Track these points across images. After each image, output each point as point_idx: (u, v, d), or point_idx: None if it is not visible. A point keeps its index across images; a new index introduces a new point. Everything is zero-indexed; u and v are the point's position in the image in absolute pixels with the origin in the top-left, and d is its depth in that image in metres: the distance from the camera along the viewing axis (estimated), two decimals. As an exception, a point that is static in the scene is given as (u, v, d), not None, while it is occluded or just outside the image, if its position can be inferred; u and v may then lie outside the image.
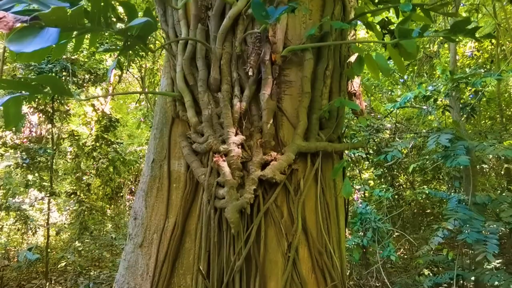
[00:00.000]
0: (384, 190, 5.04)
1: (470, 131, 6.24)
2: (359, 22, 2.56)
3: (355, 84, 2.20)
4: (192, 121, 1.89)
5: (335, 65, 2.04)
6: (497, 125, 6.94)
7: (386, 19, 2.49)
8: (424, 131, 5.32)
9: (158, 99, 2.25)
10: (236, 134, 1.80)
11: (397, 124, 5.77)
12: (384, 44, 1.97)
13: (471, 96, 5.28)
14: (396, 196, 6.26)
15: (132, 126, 8.97)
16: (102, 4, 1.09)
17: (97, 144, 7.12)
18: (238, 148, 1.75)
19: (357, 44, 2.42)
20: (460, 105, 5.40)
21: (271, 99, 1.84)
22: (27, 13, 1.10)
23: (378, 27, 2.21)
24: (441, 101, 5.14)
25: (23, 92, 1.50)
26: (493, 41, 9.38)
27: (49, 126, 6.87)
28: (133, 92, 8.43)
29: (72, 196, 8.32)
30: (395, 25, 2.15)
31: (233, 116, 1.81)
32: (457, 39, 2.29)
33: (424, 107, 5.63)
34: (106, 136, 7.13)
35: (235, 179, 1.69)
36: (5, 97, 1.50)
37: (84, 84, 6.88)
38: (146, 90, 7.88)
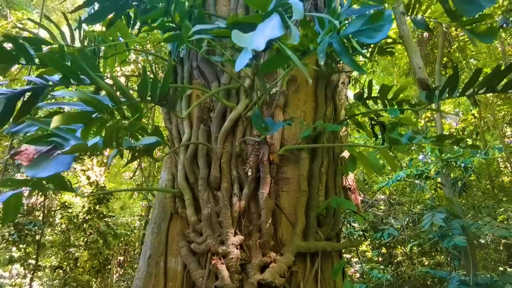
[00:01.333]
0: (383, 271, 4.90)
1: (463, 205, 6.29)
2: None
3: (350, 179, 2.28)
4: (191, 219, 1.91)
5: (329, 162, 2.14)
6: (490, 200, 7.01)
7: (376, 113, 2.67)
8: (419, 207, 5.36)
9: (157, 193, 2.29)
10: (235, 234, 1.81)
11: (390, 199, 5.82)
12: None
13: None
14: (395, 274, 6.06)
15: (124, 197, 8.88)
16: (113, 133, 1.19)
17: (89, 216, 6.98)
18: (237, 249, 1.76)
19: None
20: (451, 181, 5.53)
21: (269, 198, 1.89)
22: (46, 139, 1.19)
23: (368, 126, 2.37)
24: (433, 179, 5.26)
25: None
26: (476, 114, 9.89)
27: (41, 199, 6.78)
28: (135, 189, 8.55)
29: (58, 270, 7.89)
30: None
31: (232, 215, 1.84)
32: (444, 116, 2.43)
33: (417, 181, 5.74)
34: (98, 208, 7.02)
35: (233, 283, 1.66)
36: (6, 193, 1.53)
37: (80, 156, 6.96)
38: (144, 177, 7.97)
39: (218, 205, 1.91)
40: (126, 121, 1.38)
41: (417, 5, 2.60)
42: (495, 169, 9.84)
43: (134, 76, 5.32)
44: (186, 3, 2.02)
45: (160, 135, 1.41)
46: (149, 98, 1.56)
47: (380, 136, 2.62)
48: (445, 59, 6.68)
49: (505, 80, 1.83)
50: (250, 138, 1.96)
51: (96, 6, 2.23)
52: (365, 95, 2.63)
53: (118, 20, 2.16)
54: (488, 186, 9.19)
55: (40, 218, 6.90)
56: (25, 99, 1.63)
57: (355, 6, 1.80)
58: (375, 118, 2.62)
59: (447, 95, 1.88)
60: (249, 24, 1.15)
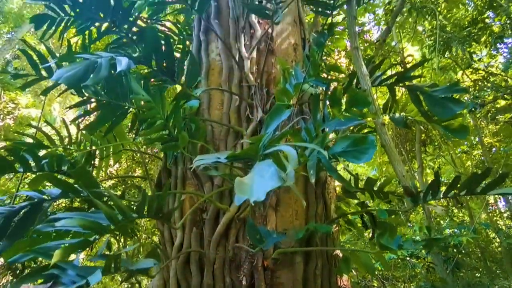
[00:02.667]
0: None
1: (457, 285, 6.15)
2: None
3: (344, 279, 2.26)
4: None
5: (323, 264, 2.13)
6: (485, 276, 6.89)
7: (363, 203, 2.74)
8: (413, 286, 5.22)
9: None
10: None
11: (382, 279, 5.67)
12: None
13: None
14: None
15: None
16: (113, 261, 1.19)
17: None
18: None
19: (344, 242, 2.59)
20: (443, 258, 5.48)
21: (264, 307, 1.84)
22: (44, 271, 1.18)
23: (360, 223, 2.42)
24: (424, 258, 5.22)
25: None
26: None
27: None
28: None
29: None
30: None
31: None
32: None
33: (408, 258, 5.66)
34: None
35: None
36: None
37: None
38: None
39: (212, 316, 1.84)
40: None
41: (395, 105, 2.85)
42: (484, 239, 9.83)
43: (128, 177, 5.37)
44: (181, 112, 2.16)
45: (157, 256, 1.42)
46: (146, 213, 1.59)
47: (370, 228, 2.67)
48: (423, 135, 7.06)
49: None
50: (243, 246, 1.97)
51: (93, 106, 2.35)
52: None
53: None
54: (480, 257, 9.09)
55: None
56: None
57: (339, 118, 1.97)
58: (363, 207, 2.69)
59: (430, 197, 1.98)
60: (246, 158, 1.25)
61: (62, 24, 2.70)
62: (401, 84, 2.58)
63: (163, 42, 1.79)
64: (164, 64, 1.89)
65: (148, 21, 3.61)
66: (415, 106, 2.59)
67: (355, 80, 2.39)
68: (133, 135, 2.42)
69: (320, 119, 1.99)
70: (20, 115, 9.70)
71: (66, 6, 2.52)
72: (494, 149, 9.93)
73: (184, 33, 3.79)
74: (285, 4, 2.63)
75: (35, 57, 2.38)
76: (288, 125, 2.03)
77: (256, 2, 2.76)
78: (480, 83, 6.29)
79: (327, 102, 1.99)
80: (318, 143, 1.67)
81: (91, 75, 1.55)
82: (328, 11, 2.45)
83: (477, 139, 9.35)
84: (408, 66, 7.55)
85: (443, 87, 2.47)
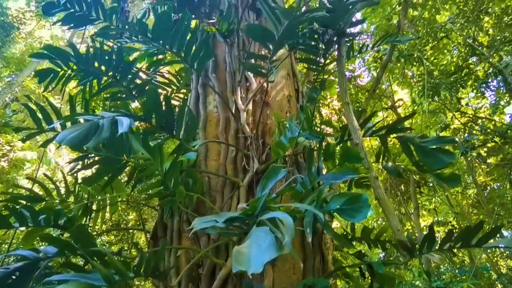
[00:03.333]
0: None
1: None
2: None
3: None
4: None
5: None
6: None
7: (360, 252, 2.73)
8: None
9: None
10: None
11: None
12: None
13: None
14: None
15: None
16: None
17: None
18: None
19: None
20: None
21: None
22: None
23: (357, 272, 2.40)
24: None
25: None
26: (455, 224, 10.10)
27: None
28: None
29: None
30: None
31: None
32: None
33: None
34: None
35: None
36: None
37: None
38: None
39: None
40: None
41: (387, 154, 2.92)
42: (485, 281, 9.62)
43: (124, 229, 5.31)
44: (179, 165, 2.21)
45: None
46: (143, 272, 1.58)
47: (368, 278, 2.63)
48: (417, 177, 7.13)
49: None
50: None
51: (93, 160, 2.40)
52: (349, 236, 2.73)
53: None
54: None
55: None
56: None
57: (333, 172, 2.03)
58: (361, 257, 2.67)
59: (426, 250, 1.99)
60: (243, 218, 1.28)
61: (65, 76, 2.83)
62: (393, 135, 2.67)
63: (163, 102, 1.87)
64: (164, 122, 1.96)
65: (148, 71, 3.77)
66: (407, 156, 2.66)
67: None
68: (130, 188, 2.44)
69: (315, 172, 2.04)
70: (15, 157, 9.67)
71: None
72: (489, 187, 10.00)
73: (181, 81, 3.94)
74: (279, 62, 2.78)
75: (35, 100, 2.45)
76: (283, 184, 2.07)
77: (252, 61, 2.91)
78: (469, 124, 6.48)
79: (322, 156, 2.05)
80: (314, 199, 1.70)
81: (94, 137, 1.60)
82: (319, 67, 2.58)
83: (471, 177, 9.45)
84: (399, 109, 7.79)
85: (433, 138, 2.56)
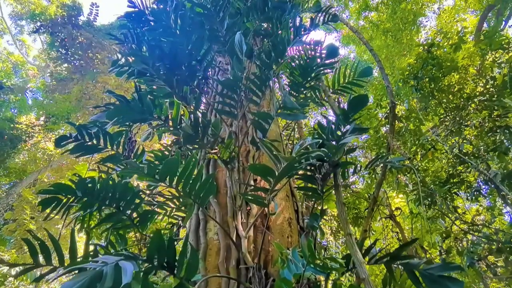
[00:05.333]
0: None
1: None
2: None
3: None
4: None
5: None
6: None
7: None
8: None
9: None
10: None
11: None
12: None
13: None
14: None
15: None
16: None
17: None
18: None
19: None
20: None
21: None
22: None
23: None
24: None
25: None
26: None
27: None
28: None
29: None
30: None
31: None
32: None
33: None
34: None
35: None
36: None
37: None
38: None
39: None
40: None
41: (393, 281, 2.82)
42: None
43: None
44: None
45: None
46: None
47: None
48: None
49: None
50: None
51: None
52: None
53: None
54: None
55: None
56: None
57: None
58: None
59: None
60: None
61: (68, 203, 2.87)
62: (398, 262, 2.62)
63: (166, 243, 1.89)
64: (166, 262, 1.94)
65: (148, 191, 3.85)
66: (413, 283, 2.58)
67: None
68: None
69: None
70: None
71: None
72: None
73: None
74: (278, 191, 2.88)
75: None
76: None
77: (252, 186, 3.02)
78: (471, 232, 6.38)
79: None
80: None
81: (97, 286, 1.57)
82: (319, 195, 2.68)
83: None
84: (397, 216, 7.75)
85: (438, 265, 2.51)
